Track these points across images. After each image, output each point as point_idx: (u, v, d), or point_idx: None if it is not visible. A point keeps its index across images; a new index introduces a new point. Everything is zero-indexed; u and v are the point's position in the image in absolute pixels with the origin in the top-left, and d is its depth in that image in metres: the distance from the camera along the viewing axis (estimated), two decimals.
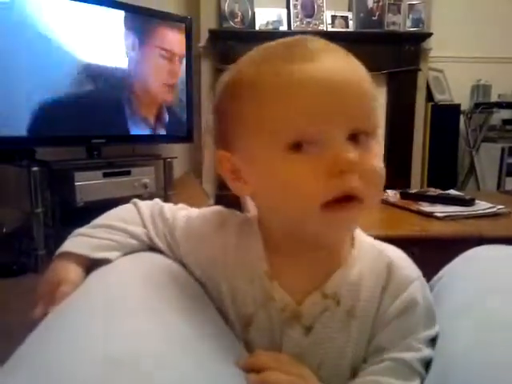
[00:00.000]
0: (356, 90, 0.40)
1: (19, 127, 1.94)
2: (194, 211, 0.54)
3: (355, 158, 0.39)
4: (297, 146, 0.39)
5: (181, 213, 0.53)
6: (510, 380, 0.35)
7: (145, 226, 0.52)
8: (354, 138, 0.40)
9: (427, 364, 0.43)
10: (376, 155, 0.42)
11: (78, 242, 0.51)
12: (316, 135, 0.39)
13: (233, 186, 0.46)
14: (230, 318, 0.47)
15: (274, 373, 0.40)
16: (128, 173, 2.28)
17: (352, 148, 0.39)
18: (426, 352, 0.44)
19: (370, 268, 0.47)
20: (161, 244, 0.52)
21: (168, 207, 0.54)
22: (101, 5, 2.16)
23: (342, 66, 0.41)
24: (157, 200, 0.56)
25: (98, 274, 0.52)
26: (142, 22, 2.33)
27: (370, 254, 0.48)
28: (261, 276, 0.46)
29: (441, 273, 0.58)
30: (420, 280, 0.47)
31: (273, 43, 0.45)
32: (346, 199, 0.40)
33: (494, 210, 1.39)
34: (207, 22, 2.73)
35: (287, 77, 0.40)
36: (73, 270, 0.48)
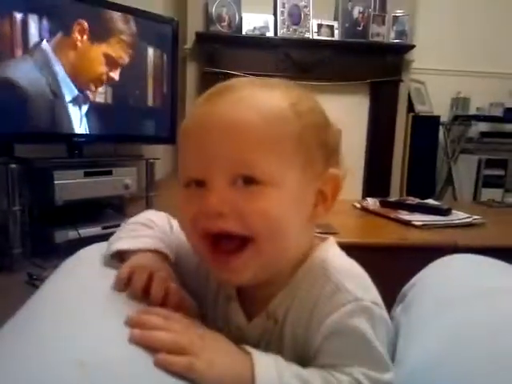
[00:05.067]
0: (232, 138, 0.42)
1: None
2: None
3: (216, 204, 0.42)
4: (190, 185, 0.45)
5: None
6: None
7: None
8: (244, 182, 0.42)
9: None
10: (263, 201, 0.42)
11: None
12: (200, 177, 0.44)
13: None
14: (210, 324, 0.50)
15: (157, 331, 0.39)
16: (109, 173, 2.25)
17: (230, 192, 0.42)
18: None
19: (306, 290, 0.46)
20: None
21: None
22: (87, 3, 2.14)
23: (227, 112, 0.43)
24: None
25: (66, 276, 0.52)
26: (130, 21, 2.32)
27: (314, 275, 0.47)
28: (225, 298, 0.52)
29: (413, 280, 0.60)
30: (359, 306, 0.43)
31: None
32: (232, 237, 0.43)
33: (470, 220, 1.42)
34: (194, 24, 2.73)
35: (185, 123, 0.47)
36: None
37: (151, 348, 0.37)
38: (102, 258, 0.53)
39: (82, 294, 0.45)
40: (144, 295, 0.45)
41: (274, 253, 0.44)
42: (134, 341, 0.37)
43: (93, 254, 0.57)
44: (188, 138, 0.45)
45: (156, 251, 0.52)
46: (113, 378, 0.33)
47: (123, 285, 0.46)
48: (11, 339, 0.38)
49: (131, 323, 0.39)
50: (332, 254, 0.49)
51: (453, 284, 0.54)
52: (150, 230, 0.55)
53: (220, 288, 0.53)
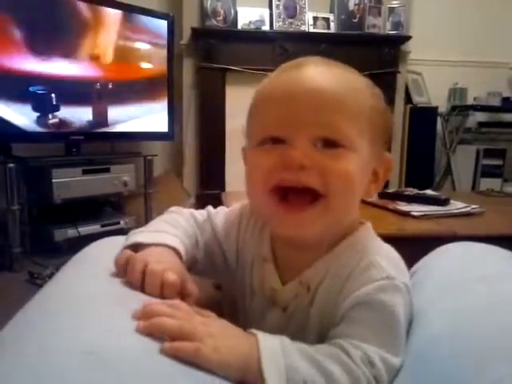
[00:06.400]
0: (319, 102, 0.45)
1: None
2: (225, 209, 0.64)
3: (299, 156, 0.44)
4: (266, 142, 0.48)
5: (212, 209, 0.63)
6: (486, 364, 0.37)
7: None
8: (326, 145, 0.46)
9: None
10: (344, 161, 0.46)
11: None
12: (281, 136, 0.46)
13: None
14: (245, 289, 0.58)
15: (163, 318, 0.39)
16: (107, 170, 2.25)
17: (312, 150, 0.45)
18: (378, 363, 0.41)
19: (343, 263, 0.49)
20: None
21: (200, 211, 0.64)
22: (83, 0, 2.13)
23: (314, 78, 0.47)
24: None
25: (73, 268, 0.52)
26: (126, 17, 2.31)
27: (352, 251, 0.50)
28: (261, 260, 0.56)
29: (413, 268, 0.61)
30: (391, 283, 0.45)
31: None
32: (302, 193, 0.46)
33: (468, 209, 1.42)
34: (189, 19, 2.71)
35: (265, 87, 0.50)
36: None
37: (158, 335, 0.38)
38: (118, 250, 0.54)
39: (88, 287, 0.45)
40: (142, 289, 0.46)
41: (339, 212, 0.48)
42: (141, 329, 0.38)
43: (102, 247, 0.58)
44: (271, 100, 0.48)
45: (166, 246, 0.53)
46: (120, 366, 0.33)
47: (121, 274, 0.47)
48: (15, 331, 0.38)
49: (137, 316, 0.39)
50: (372, 236, 0.53)
51: (453, 270, 0.55)
52: (170, 226, 0.57)
53: (256, 252, 0.57)
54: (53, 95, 2.07)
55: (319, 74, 0.47)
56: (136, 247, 0.52)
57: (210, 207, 0.64)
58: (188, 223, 0.60)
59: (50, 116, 2.08)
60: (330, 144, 0.46)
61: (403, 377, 0.42)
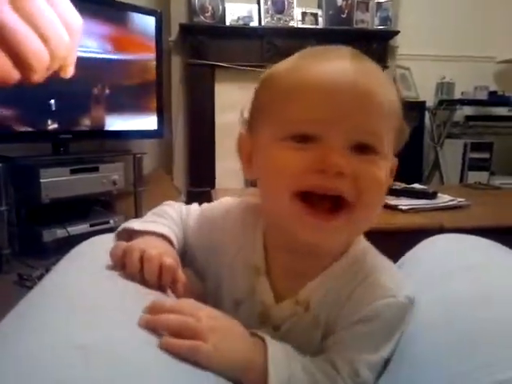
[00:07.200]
0: (365, 106, 0.42)
1: None
2: (206, 204, 0.60)
3: (340, 162, 0.40)
4: (296, 138, 0.42)
5: (194, 207, 0.60)
6: (476, 349, 0.38)
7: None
8: (359, 150, 0.42)
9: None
10: (377, 170, 0.43)
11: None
12: (317, 134, 0.42)
13: (244, 168, 0.51)
14: (224, 297, 0.53)
15: (165, 314, 0.38)
16: (96, 169, 2.23)
17: (348, 155, 0.41)
18: (365, 373, 0.42)
19: (344, 283, 0.48)
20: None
21: (185, 206, 0.61)
22: None
23: (361, 78, 0.42)
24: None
25: (66, 266, 0.52)
26: (113, 14, 2.29)
27: (355, 268, 0.48)
28: (252, 269, 0.51)
29: (401, 260, 0.62)
30: (395, 302, 0.45)
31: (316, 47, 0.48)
32: (325, 198, 0.42)
33: (455, 202, 1.44)
34: (177, 16, 2.70)
35: (300, 74, 0.44)
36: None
37: (159, 329, 0.37)
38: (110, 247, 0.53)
39: (82, 283, 0.45)
40: (141, 276, 0.45)
41: (361, 222, 0.45)
42: (142, 324, 0.37)
43: (94, 245, 0.58)
44: (307, 89, 0.42)
45: (159, 234, 0.52)
46: (115, 359, 0.33)
47: (118, 265, 0.46)
48: (12, 331, 0.38)
49: (145, 311, 0.39)
50: (368, 248, 0.51)
51: (439, 261, 0.56)
52: (161, 218, 0.56)
53: (237, 256, 0.52)
54: (41, 94, 2.04)
55: (362, 69, 0.43)
56: (128, 237, 0.52)
57: (194, 205, 0.62)
58: (177, 216, 0.59)
59: (38, 116, 2.06)
60: (363, 148, 0.42)
61: (393, 365, 0.43)
